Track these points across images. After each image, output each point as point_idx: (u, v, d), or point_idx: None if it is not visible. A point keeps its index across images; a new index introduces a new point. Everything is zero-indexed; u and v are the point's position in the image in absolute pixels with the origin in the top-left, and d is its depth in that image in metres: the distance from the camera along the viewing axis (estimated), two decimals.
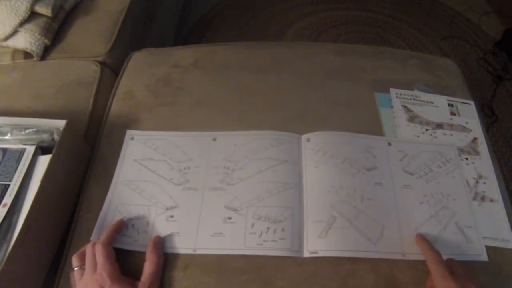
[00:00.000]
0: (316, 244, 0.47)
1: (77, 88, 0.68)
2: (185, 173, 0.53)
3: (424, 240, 0.47)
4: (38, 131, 0.53)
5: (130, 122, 0.60)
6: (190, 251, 0.47)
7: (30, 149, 0.52)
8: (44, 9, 0.73)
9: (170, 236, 0.48)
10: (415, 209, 0.51)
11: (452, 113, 0.61)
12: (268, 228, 0.48)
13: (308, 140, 0.56)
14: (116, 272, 0.43)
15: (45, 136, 0.53)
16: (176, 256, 0.47)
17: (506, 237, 0.50)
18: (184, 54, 0.70)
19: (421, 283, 0.45)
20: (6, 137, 0.53)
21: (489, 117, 1.25)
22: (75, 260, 0.45)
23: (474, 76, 1.35)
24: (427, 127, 0.59)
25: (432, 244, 0.46)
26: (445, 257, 0.47)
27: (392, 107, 0.61)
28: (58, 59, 0.74)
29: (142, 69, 0.68)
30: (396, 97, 0.62)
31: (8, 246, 0.45)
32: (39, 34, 0.72)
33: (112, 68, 0.76)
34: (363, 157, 0.54)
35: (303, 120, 0.59)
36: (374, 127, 0.58)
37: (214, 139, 0.56)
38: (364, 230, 0.48)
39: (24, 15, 0.71)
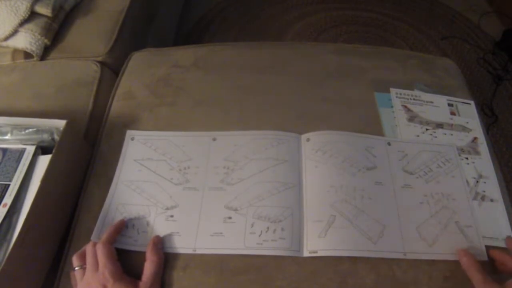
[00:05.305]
0: (316, 243, 0.47)
1: (77, 88, 0.68)
2: (185, 173, 0.53)
3: (477, 265, 0.44)
4: (38, 131, 0.53)
5: (130, 122, 0.60)
6: (190, 251, 0.47)
7: (30, 149, 0.52)
8: (44, 9, 0.73)
9: (170, 236, 0.48)
10: (415, 209, 0.50)
11: (452, 113, 0.61)
12: (268, 227, 0.48)
13: (308, 140, 0.56)
14: (118, 271, 0.43)
15: (45, 136, 0.53)
16: (176, 255, 0.47)
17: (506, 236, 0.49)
18: (184, 54, 0.70)
19: (422, 283, 0.45)
20: (6, 137, 0.53)
21: (489, 117, 1.25)
22: (75, 260, 0.45)
23: (474, 76, 1.35)
24: (427, 127, 0.59)
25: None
26: (445, 257, 0.47)
27: (392, 107, 0.61)
28: (58, 59, 0.74)
29: (142, 69, 0.68)
30: (396, 97, 0.62)
31: (8, 246, 0.45)
32: (39, 34, 0.72)
33: (112, 68, 0.76)
34: (363, 157, 0.54)
35: (303, 120, 0.59)
36: (374, 127, 0.58)
37: (214, 139, 0.56)
38: (364, 230, 0.48)
39: (24, 15, 0.71)
